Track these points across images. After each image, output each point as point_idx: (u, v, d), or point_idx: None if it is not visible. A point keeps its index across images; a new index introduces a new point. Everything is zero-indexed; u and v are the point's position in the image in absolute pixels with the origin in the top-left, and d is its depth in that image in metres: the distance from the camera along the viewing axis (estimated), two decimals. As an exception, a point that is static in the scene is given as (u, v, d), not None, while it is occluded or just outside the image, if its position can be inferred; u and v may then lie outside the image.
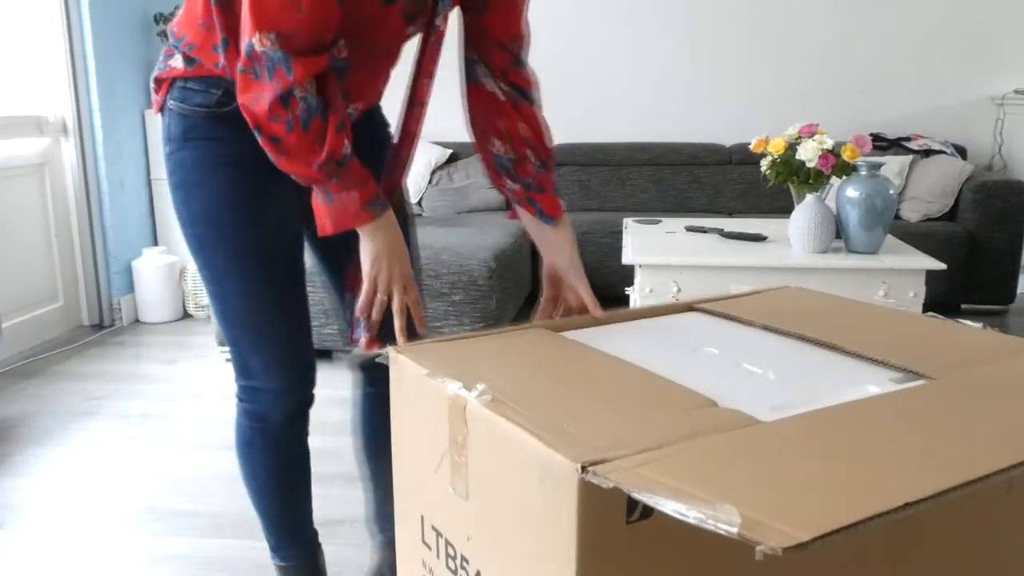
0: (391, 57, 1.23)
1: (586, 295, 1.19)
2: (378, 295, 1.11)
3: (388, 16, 1.13)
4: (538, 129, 1.26)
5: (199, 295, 3.73)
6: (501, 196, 1.37)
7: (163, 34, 3.81)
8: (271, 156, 1.05)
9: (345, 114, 1.05)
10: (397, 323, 1.11)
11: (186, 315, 3.81)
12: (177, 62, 1.18)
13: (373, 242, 1.09)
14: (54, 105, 3.47)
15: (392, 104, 1.29)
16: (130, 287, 3.75)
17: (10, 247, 3.24)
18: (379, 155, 1.26)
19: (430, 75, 1.17)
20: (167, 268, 3.69)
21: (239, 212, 1.20)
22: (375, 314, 1.12)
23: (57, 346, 3.37)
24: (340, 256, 1.32)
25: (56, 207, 3.50)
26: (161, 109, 1.22)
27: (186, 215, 1.22)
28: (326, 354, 3.18)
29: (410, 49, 1.23)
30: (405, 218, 1.30)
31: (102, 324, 3.66)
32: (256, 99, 1.00)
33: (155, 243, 3.92)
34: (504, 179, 1.26)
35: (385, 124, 1.40)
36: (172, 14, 3.82)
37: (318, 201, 1.07)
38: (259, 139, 1.04)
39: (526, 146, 1.25)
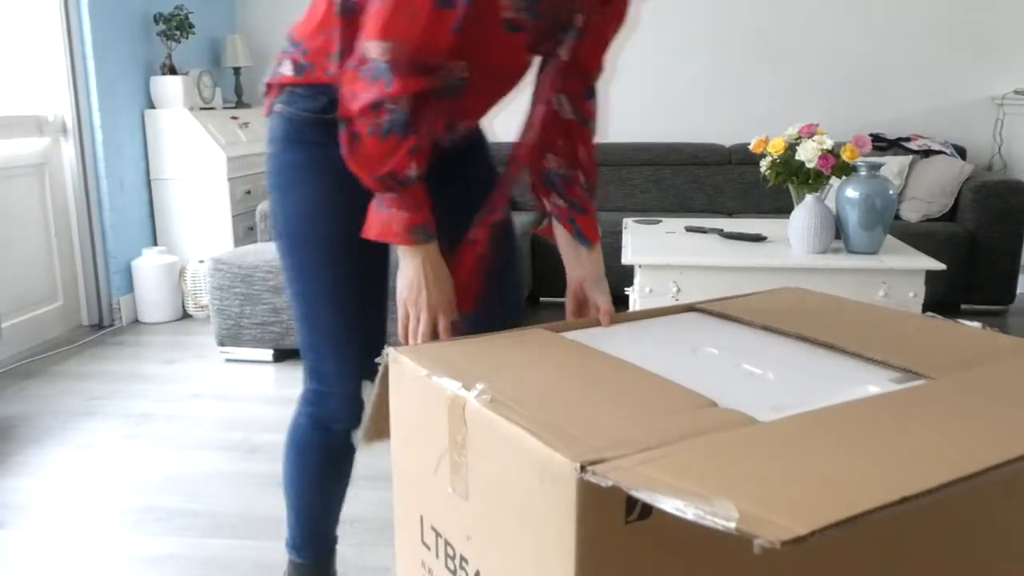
0: (511, 83, 1.24)
1: (604, 306, 1.21)
2: (411, 319, 1.13)
3: (511, 43, 1.14)
4: (593, 156, 1.29)
5: (198, 295, 3.73)
6: (538, 210, 1.38)
7: (163, 34, 3.81)
8: (344, 149, 1.07)
9: (425, 141, 1.07)
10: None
11: (186, 315, 3.81)
12: (287, 69, 1.21)
13: (411, 266, 1.11)
14: (54, 105, 3.47)
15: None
16: (130, 287, 3.75)
17: (10, 247, 3.24)
18: (473, 166, 1.34)
19: (547, 102, 1.20)
20: (167, 268, 3.69)
21: (336, 217, 1.21)
22: (410, 338, 1.13)
23: (57, 346, 3.37)
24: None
25: (56, 207, 3.50)
26: (269, 112, 1.25)
27: (282, 216, 1.24)
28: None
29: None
30: (509, 234, 1.35)
31: (102, 324, 3.66)
32: (355, 95, 1.03)
33: (155, 243, 3.92)
34: (551, 194, 1.29)
35: (484, 137, 1.43)
36: (172, 14, 3.82)
37: (372, 204, 1.10)
38: (341, 130, 1.06)
39: (580, 168, 1.28)
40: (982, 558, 0.82)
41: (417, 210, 1.08)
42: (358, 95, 1.03)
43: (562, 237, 1.29)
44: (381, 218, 1.09)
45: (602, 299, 1.22)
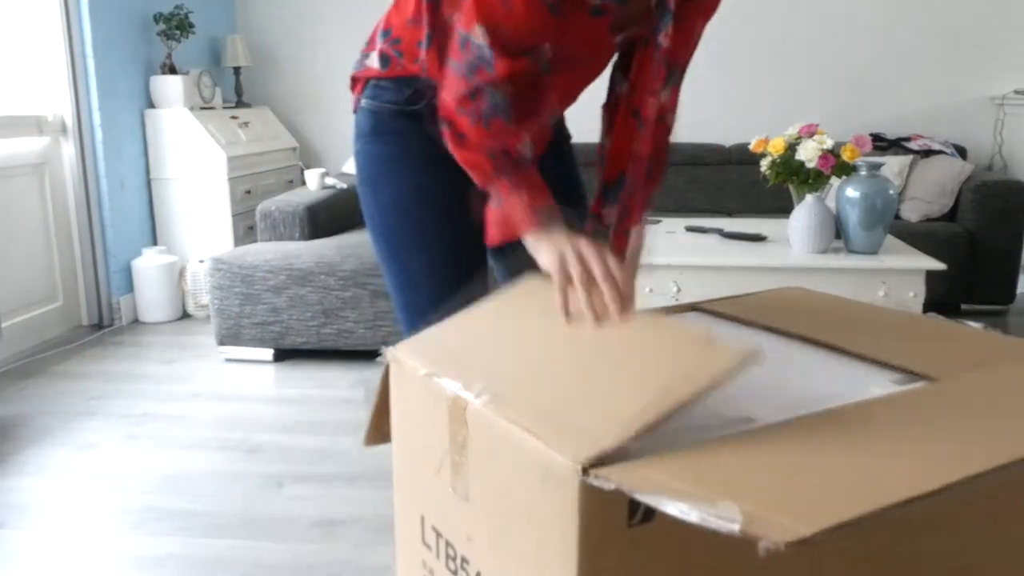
0: (595, 66, 1.21)
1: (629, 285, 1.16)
2: (575, 283, 0.92)
3: (595, 26, 1.12)
4: (662, 147, 1.25)
5: (198, 295, 3.73)
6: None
7: (163, 34, 3.81)
8: (451, 148, 1.04)
9: (536, 124, 1.03)
10: (608, 294, 0.90)
11: (185, 315, 3.81)
12: (373, 61, 1.21)
13: (547, 243, 0.97)
14: (54, 105, 3.46)
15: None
16: (129, 287, 3.75)
17: (9, 247, 3.24)
18: (558, 162, 1.32)
19: (654, 93, 1.13)
20: (167, 268, 3.69)
21: (429, 202, 1.20)
22: (573, 307, 0.92)
23: (56, 346, 3.37)
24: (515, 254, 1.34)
25: (56, 207, 3.50)
26: (356, 108, 1.25)
27: (375, 208, 1.23)
28: (326, 355, 3.18)
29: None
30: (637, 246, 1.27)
31: (101, 324, 3.65)
32: (450, 90, 1.01)
33: (154, 243, 3.92)
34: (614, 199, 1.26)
35: (567, 134, 1.42)
36: (172, 14, 3.82)
37: (491, 207, 1.06)
38: (445, 131, 1.04)
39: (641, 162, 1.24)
40: (988, 560, 0.82)
41: (536, 189, 1.01)
42: (453, 89, 1.01)
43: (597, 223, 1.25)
44: (500, 215, 1.03)
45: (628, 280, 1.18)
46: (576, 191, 1.40)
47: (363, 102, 1.24)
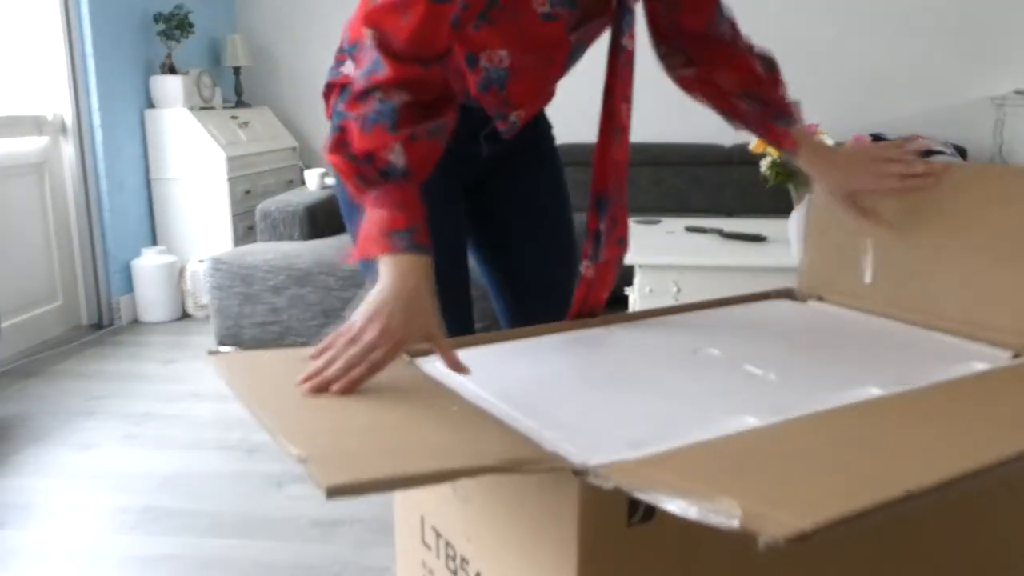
0: (555, 65, 1.19)
1: (895, 151, 1.12)
2: (346, 339, 0.83)
3: (548, 29, 1.10)
4: (742, 65, 1.26)
5: (198, 295, 3.73)
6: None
7: (163, 34, 3.81)
8: (328, 154, 0.98)
9: (430, 140, 0.95)
10: (339, 374, 0.80)
11: (185, 315, 3.80)
12: (349, 68, 1.18)
13: (384, 280, 0.87)
14: (53, 104, 3.46)
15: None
16: (129, 287, 3.75)
17: (9, 247, 3.24)
18: (537, 163, 1.32)
19: (627, 99, 1.10)
20: (166, 268, 3.69)
21: None
22: (322, 360, 0.82)
23: (56, 345, 3.37)
24: (502, 261, 1.35)
25: (55, 207, 3.50)
26: (331, 114, 1.20)
27: (352, 204, 1.20)
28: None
29: (591, 65, 1.21)
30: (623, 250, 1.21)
31: (101, 324, 3.65)
32: (348, 94, 0.97)
33: (154, 243, 3.91)
34: (769, 124, 1.25)
35: (548, 132, 1.40)
36: (172, 13, 3.82)
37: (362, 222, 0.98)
38: (332, 136, 0.97)
39: (731, 96, 1.26)
40: (986, 556, 0.82)
41: (400, 209, 0.90)
42: (351, 91, 0.97)
43: (803, 152, 1.22)
44: (362, 231, 0.92)
45: (878, 151, 1.14)
46: (556, 194, 1.37)
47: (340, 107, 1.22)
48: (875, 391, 0.84)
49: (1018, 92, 4.07)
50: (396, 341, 0.83)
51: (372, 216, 0.91)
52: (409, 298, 0.85)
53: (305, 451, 0.61)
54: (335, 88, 1.20)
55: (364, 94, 0.94)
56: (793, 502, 0.56)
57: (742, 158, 4.10)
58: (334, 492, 0.55)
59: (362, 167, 0.93)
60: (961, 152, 3.99)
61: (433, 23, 0.95)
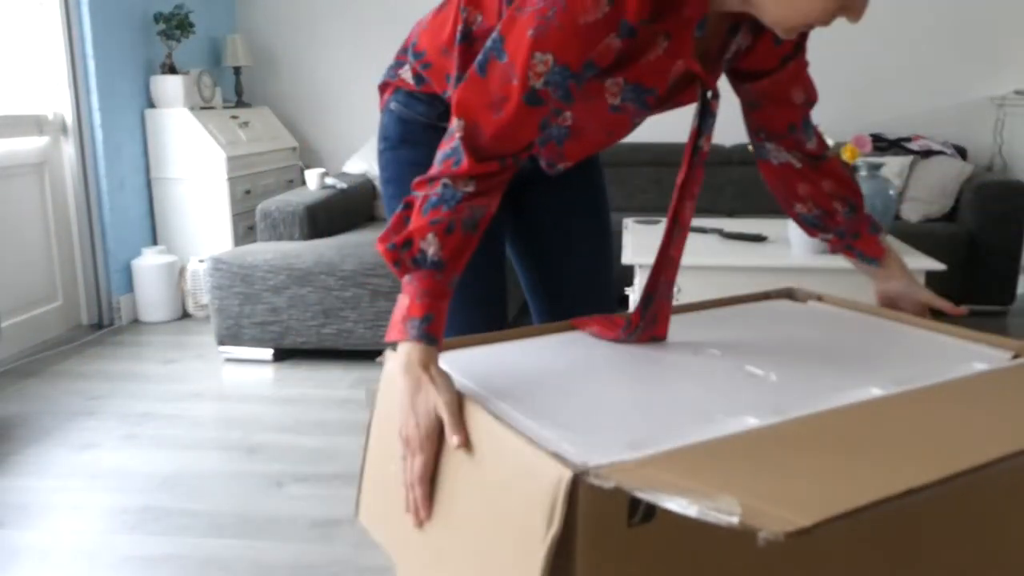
0: (615, 136, 1.21)
1: (940, 303, 1.15)
2: (403, 468, 0.87)
3: (615, 116, 1.11)
4: (842, 177, 1.20)
5: (198, 295, 3.73)
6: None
7: (163, 33, 3.81)
8: (389, 220, 0.98)
9: (458, 224, 0.93)
10: (412, 502, 0.86)
11: (185, 315, 3.80)
12: (407, 75, 1.23)
13: (395, 373, 0.90)
14: (54, 104, 3.46)
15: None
16: (129, 286, 3.75)
17: (9, 246, 3.24)
18: (587, 190, 1.36)
19: (693, 197, 1.07)
20: (166, 267, 3.69)
21: None
22: (409, 491, 0.87)
23: (56, 345, 3.37)
24: (541, 266, 1.38)
25: (55, 206, 3.50)
26: (384, 107, 1.27)
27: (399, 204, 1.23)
28: (326, 355, 3.18)
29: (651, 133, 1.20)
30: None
31: (101, 323, 3.65)
32: (435, 165, 0.97)
33: (154, 242, 3.91)
34: (817, 232, 1.24)
35: (598, 166, 1.42)
36: (172, 13, 3.82)
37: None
38: (398, 212, 0.97)
39: (832, 199, 1.20)
40: (986, 556, 0.82)
41: (424, 297, 0.90)
42: (434, 167, 0.96)
43: (851, 260, 1.24)
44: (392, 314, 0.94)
45: (926, 295, 1.17)
46: (595, 196, 1.40)
47: (393, 105, 1.26)
48: (875, 391, 0.84)
49: (1018, 92, 4.07)
50: (419, 446, 0.84)
51: (399, 301, 0.93)
52: (412, 393, 0.86)
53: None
54: (389, 87, 1.26)
55: (434, 179, 0.93)
56: (793, 500, 0.57)
57: (742, 158, 4.10)
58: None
59: (400, 253, 0.92)
60: (961, 152, 4.00)
61: (523, 121, 0.94)
